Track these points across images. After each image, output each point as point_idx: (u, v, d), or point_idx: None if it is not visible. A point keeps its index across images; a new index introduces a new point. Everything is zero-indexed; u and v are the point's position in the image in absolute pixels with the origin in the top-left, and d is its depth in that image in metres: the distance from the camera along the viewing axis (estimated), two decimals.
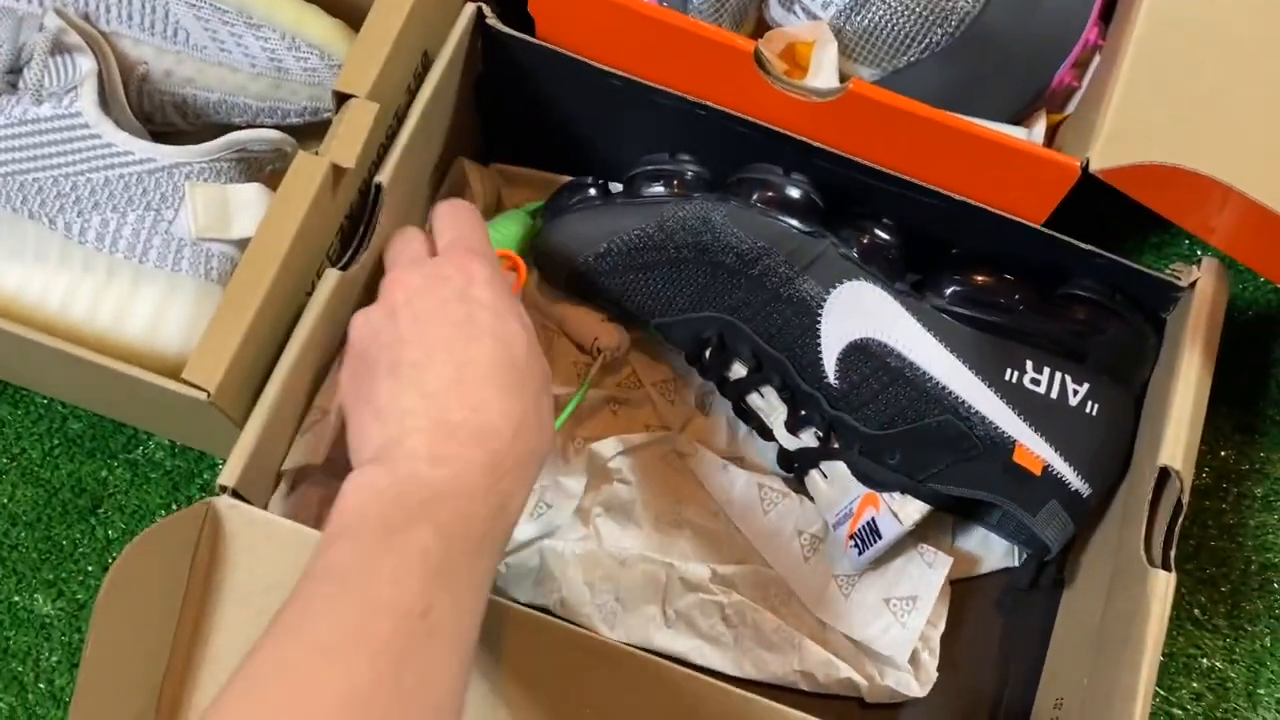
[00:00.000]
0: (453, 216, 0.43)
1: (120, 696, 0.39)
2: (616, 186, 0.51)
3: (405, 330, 0.38)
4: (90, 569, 0.50)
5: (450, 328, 0.37)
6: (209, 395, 0.39)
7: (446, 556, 0.32)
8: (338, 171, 0.43)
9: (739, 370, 0.49)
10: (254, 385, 0.42)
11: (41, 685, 0.48)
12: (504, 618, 0.39)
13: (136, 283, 0.44)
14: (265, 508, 0.42)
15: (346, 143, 0.43)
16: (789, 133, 0.47)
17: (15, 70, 0.48)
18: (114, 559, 0.50)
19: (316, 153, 0.43)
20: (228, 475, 0.39)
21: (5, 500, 0.51)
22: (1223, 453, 0.55)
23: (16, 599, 0.50)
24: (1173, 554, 0.42)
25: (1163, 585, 0.40)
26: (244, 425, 0.41)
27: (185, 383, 0.40)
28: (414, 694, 0.30)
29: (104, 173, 0.45)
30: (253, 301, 0.41)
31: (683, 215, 0.47)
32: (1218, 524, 0.54)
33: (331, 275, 0.43)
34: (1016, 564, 0.50)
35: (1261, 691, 0.51)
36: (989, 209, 0.46)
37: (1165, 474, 0.43)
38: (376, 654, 0.30)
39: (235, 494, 0.40)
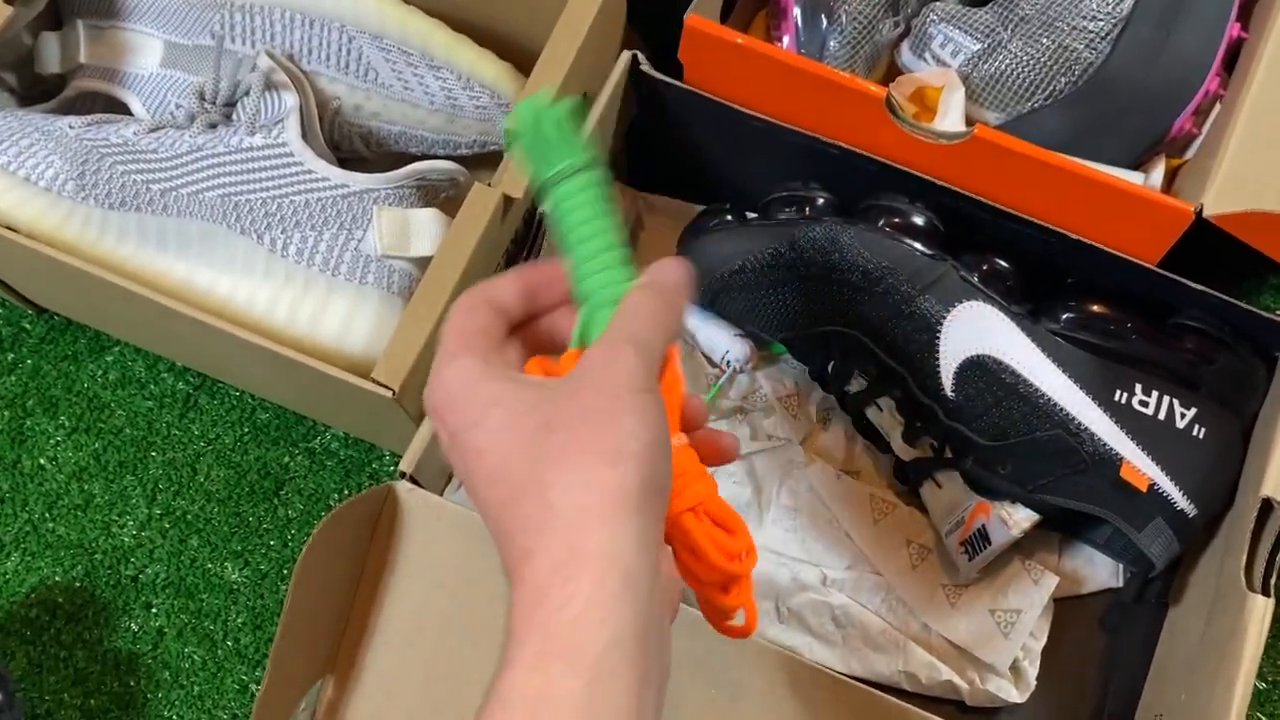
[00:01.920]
0: (665, 273, 0.34)
1: (308, 654, 0.45)
2: (752, 214, 0.55)
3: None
4: (272, 543, 0.57)
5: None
6: (394, 393, 0.45)
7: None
8: (507, 201, 0.49)
9: (859, 383, 0.53)
10: None
11: (229, 643, 0.55)
12: None
13: (330, 293, 0.51)
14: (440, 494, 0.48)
15: (516, 176, 0.49)
16: (916, 172, 0.51)
17: (230, 103, 0.55)
18: (293, 535, 0.57)
19: (489, 184, 0.49)
20: (407, 463, 0.45)
21: (202, 479, 0.58)
22: None
23: (210, 566, 0.57)
24: (1273, 581, 0.44)
25: (1260, 610, 0.43)
26: (420, 421, 0.47)
27: (374, 381, 0.46)
28: None
29: (304, 196, 0.52)
30: (433, 313, 0.46)
31: (813, 236, 0.51)
32: None
33: None
34: (1121, 586, 0.52)
35: None
36: (1104, 248, 0.49)
37: (1269, 504, 0.45)
38: None
39: (413, 480, 0.45)
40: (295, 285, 0.51)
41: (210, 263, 0.52)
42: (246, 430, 0.59)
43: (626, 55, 0.52)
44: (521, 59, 0.55)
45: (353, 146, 0.58)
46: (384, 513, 0.45)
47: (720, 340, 0.56)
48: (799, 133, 0.52)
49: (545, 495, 0.29)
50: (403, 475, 0.45)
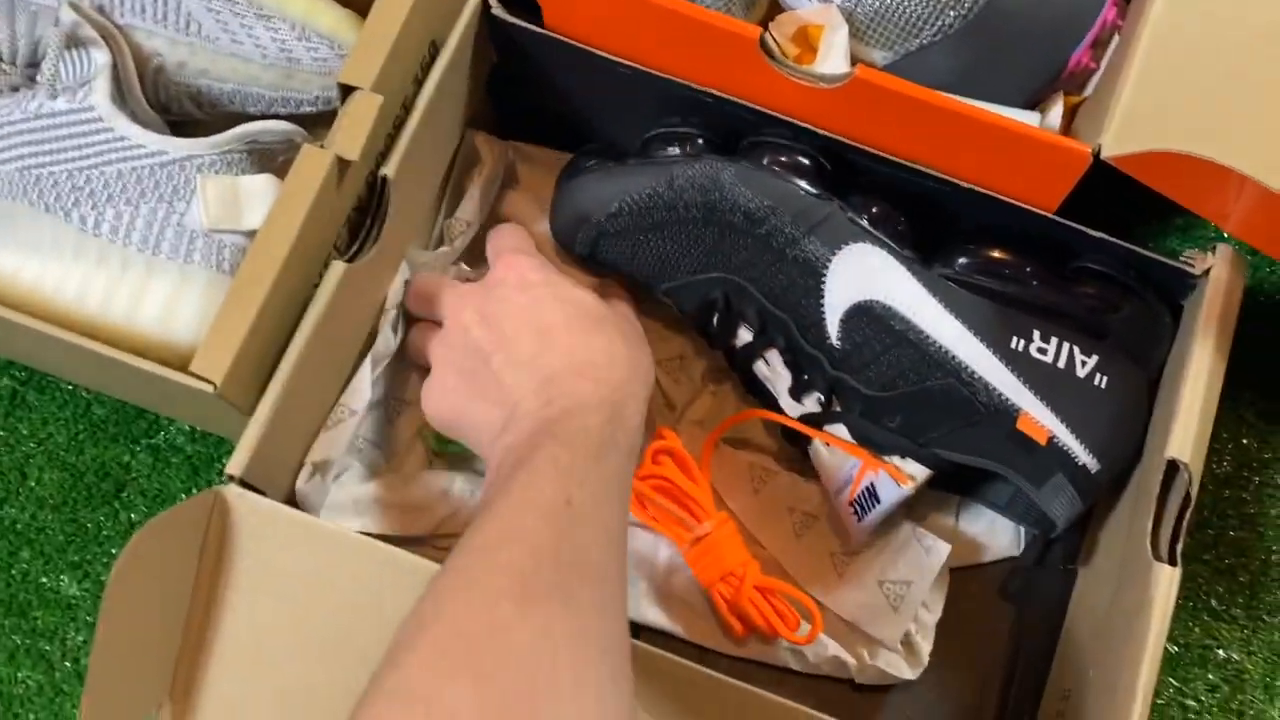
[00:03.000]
0: (495, 234, 0.50)
1: (134, 678, 0.40)
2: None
3: (485, 335, 0.44)
4: (114, 551, 0.52)
5: (520, 311, 0.44)
6: (215, 387, 0.40)
7: (573, 460, 0.38)
8: (343, 164, 0.44)
9: (745, 335, 0.49)
10: (262, 377, 0.42)
11: (68, 664, 0.50)
12: None
13: (149, 274, 0.45)
14: (279, 496, 0.43)
15: (351, 136, 0.44)
16: (796, 120, 0.47)
17: (33, 64, 0.49)
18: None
19: (322, 145, 0.44)
20: (234, 465, 0.40)
21: (33, 484, 0.53)
22: (1244, 441, 0.54)
23: (44, 580, 0.51)
24: (1179, 548, 0.41)
25: (1166, 580, 0.40)
26: (250, 415, 0.42)
27: (193, 375, 0.40)
28: (572, 566, 0.34)
29: (117, 165, 0.46)
30: (258, 294, 0.41)
31: (692, 174, 0.47)
32: (1238, 514, 0.53)
33: (338, 267, 0.43)
34: (1018, 551, 0.50)
35: (1279, 684, 0.50)
36: (999, 196, 0.45)
37: (1174, 467, 0.42)
38: (531, 541, 0.35)
39: (243, 483, 0.40)
40: (110, 267, 0.45)
41: (11, 245, 0.46)
42: (81, 428, 0.54)
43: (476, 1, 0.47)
44: (364, 6, 0.50)
45: (183, 109, 0.52)
46: (213, 520, 0.40)
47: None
48: (671, 80, 0.47)
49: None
50: (230, 479, 0.40)
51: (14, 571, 0.51)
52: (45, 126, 0.46)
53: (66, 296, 0.45)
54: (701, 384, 0.53)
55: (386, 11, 0.45)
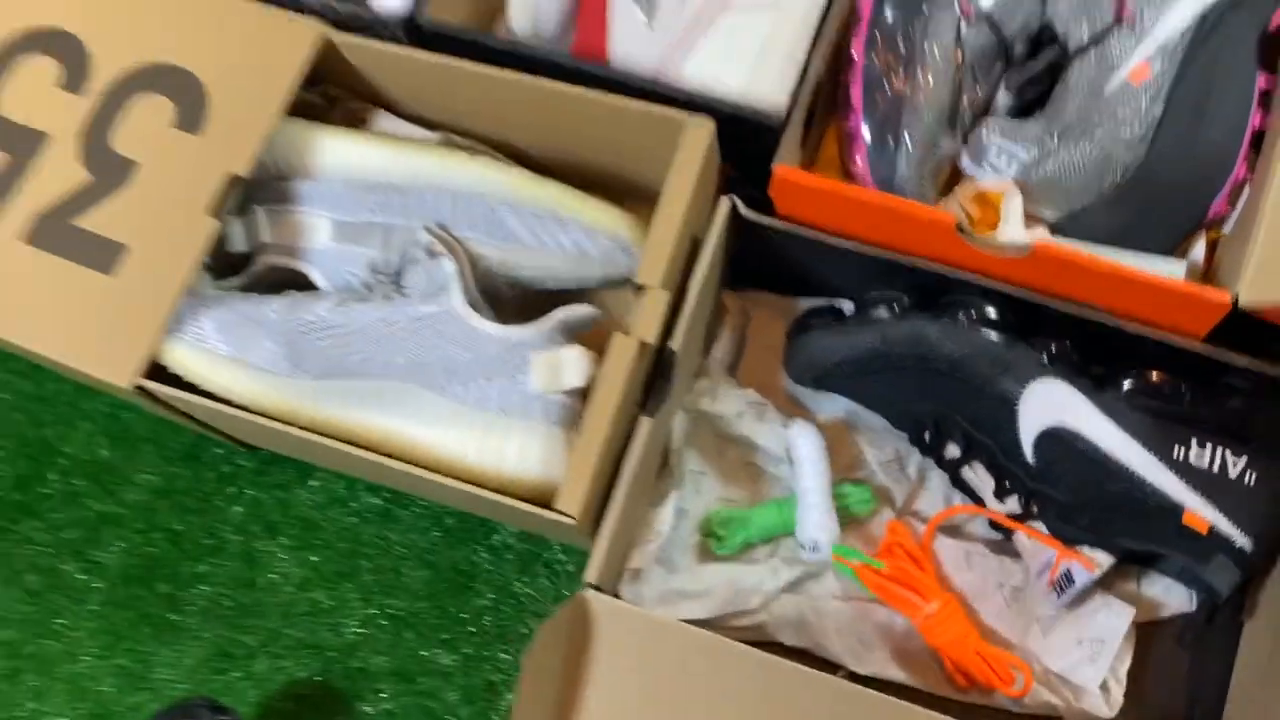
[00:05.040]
0: None
1: None
2: (848, 307, 0.64)
3: None
4: (472, 630, 0.68)
5: None
6: (574, 519, 0.56)
7: None
8: (643, 346, 0.59)
9: (953, 450, 0.62)
10: (599, 505, 0.58)
11: (448, 718, 0.67)
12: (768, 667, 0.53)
13: (507, 431, 0.61)
14: (615, 594, 0.58)
15: (649, 325, 0.59)
16: (984, 281, 0.59)
17: (398, 272, 0.66)
18: (488, 621, 0.68)
19: (626, 332, 0.59)
20: (592, 574, 0.56)
21: (406, 580, 0.70)
22: None
23: (424, 653, 0.68)
24: None
25: None
26: (594, 535, 0.57)
27: (558, 511, 0.56)
28: None
29: (474, 352, 0.62)
30: (594, 450, 0.57)
31: (902, 333, 0.60)
32: None
33: (645, 423, 0.59)
34: (1194, 609, 0.61)
35: None
36: (1155, 333, 0.57)
37: None
38: None
39: (597, 588, 0.56)
40: (477, 428, 0.62)
41: (405, 415, 0.63)
42: (437, 535, 0.70)
43: (726, 201, 0.62)
44: (637, 194, 0.65)
45: (498, 293, 0.69)
46: (576, 618, 0.56)
47: (810, 527, 0.64)
48: (881, 257, 0.60)
49: None
50: (590, 585, 0.56)
51: (401, 649, 0.68)
52: (421, 327, 0.63)
53: (450, 452, 0.62)
54: (916, 481, 0.66)
55: (664, 224, 0.60)
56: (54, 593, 0.72)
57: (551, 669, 0.55)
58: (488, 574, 0.69)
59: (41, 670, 0.71)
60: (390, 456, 0.61)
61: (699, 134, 0.62)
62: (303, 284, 0.70)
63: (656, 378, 0.60)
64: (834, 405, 0.67)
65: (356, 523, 0.71)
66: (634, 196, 0.69)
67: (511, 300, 0.69)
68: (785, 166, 0.60)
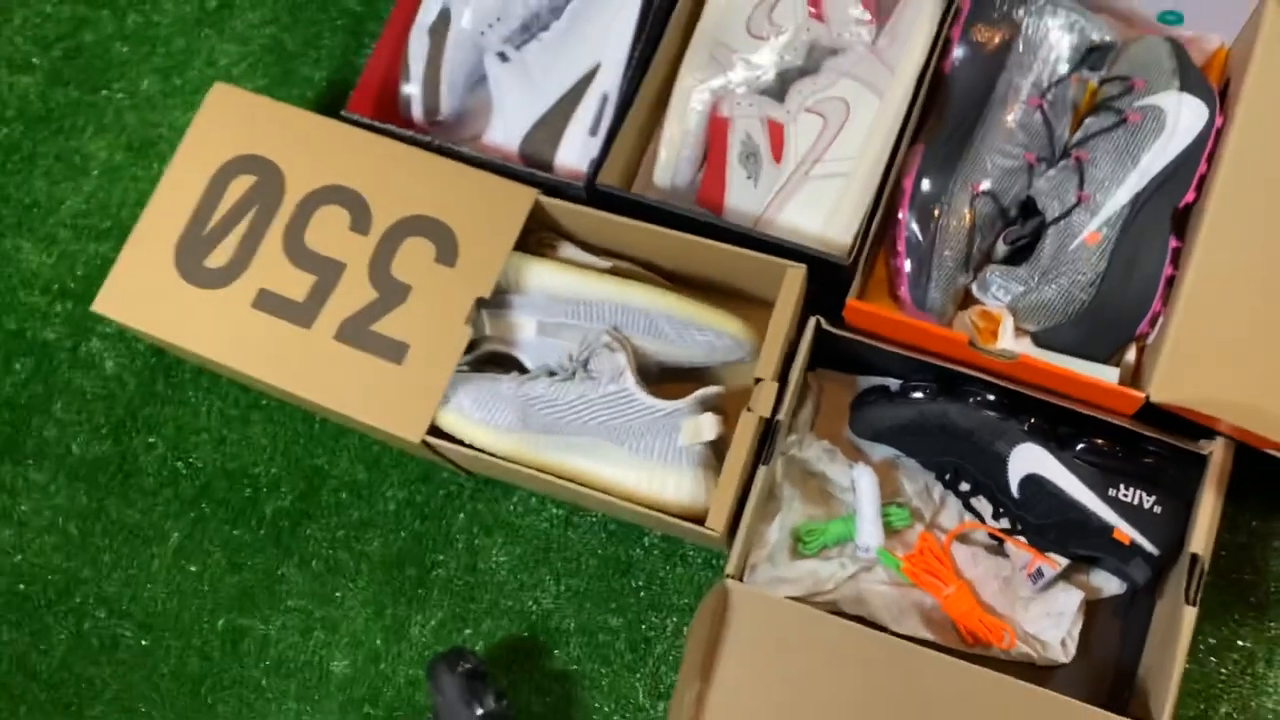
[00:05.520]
0: None
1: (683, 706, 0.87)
2: (894, 384, 0.95)
3: None
4: (631, 601, 0.99)
5: None
6: (718, 533, 0.86)
7: None
8: (761, 419, 0.89)
9: (964, 485, 0.93)
10: (733, 523, 0.88)
11: (617, 661, 0.98)
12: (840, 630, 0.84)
13: (666, 473, 0.92)
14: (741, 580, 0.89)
15: (765, 405, 0.89)
16: (988, 376, 0.89)
17: (585, 360, 0.96)
18: (643, 598, 0.99)
19: (748, 408, 0.90)
20: (730, 568, 0.86)
21: (585, 567, 1.01)
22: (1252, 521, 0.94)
23: (599, 617, 0.99)
24: (1197, 595, 0.83)
25: (1189, 615, 0.82)
26: (729, 542, 0.88)
27: (708, 528, 0.87)
28: None
29: (645, 419, 0.93)
30: (732, 487, 0.87)
31: (931, 410, 0.91)
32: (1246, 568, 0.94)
33: (762, 470, 0.89)
34: (1122, 593, 0.92)
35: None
36: (1100, 414, 0.87)
37: (1194, 557, 0.84)
38: None
39: (734, 577, 0.86)
40: (648, 470, 0.92)
41: (597, 460, 0.93)
42: (604, 536, 1.01)
43: (814, 321, 0.92)
44: (746, 298, 0.96)
45: (648, 371, 0.99)
46: (718, 602, 0.87)
47: (866, 536, 0.95)
48: (921, 359, 0.91)
49: None
50: (730, 577, 0.86)
51: (583, 614, 1.00)
52: (608, 401, 0.93)
53: (629, 485, 0.92)
54: (938, 505, 0.96)
55: (773, 339, 0.91)
56: (333, 574, 1.04)
57: (702, 634, 0.86)
58: (640, 563, 1.00)
59: (327, 628, 1.02)
60: (587, 488, 0.92)
61: (795, 275, 0.92)
62: (509, 363, 1.00)
63: (767, 438, 0.91)
64: (882, 451, 0.98)
65: (547, 527, 1.02)
66: (742, 300, 0.99)
67: (656, 376, 0.99)
68: (856, 301, 0.90)
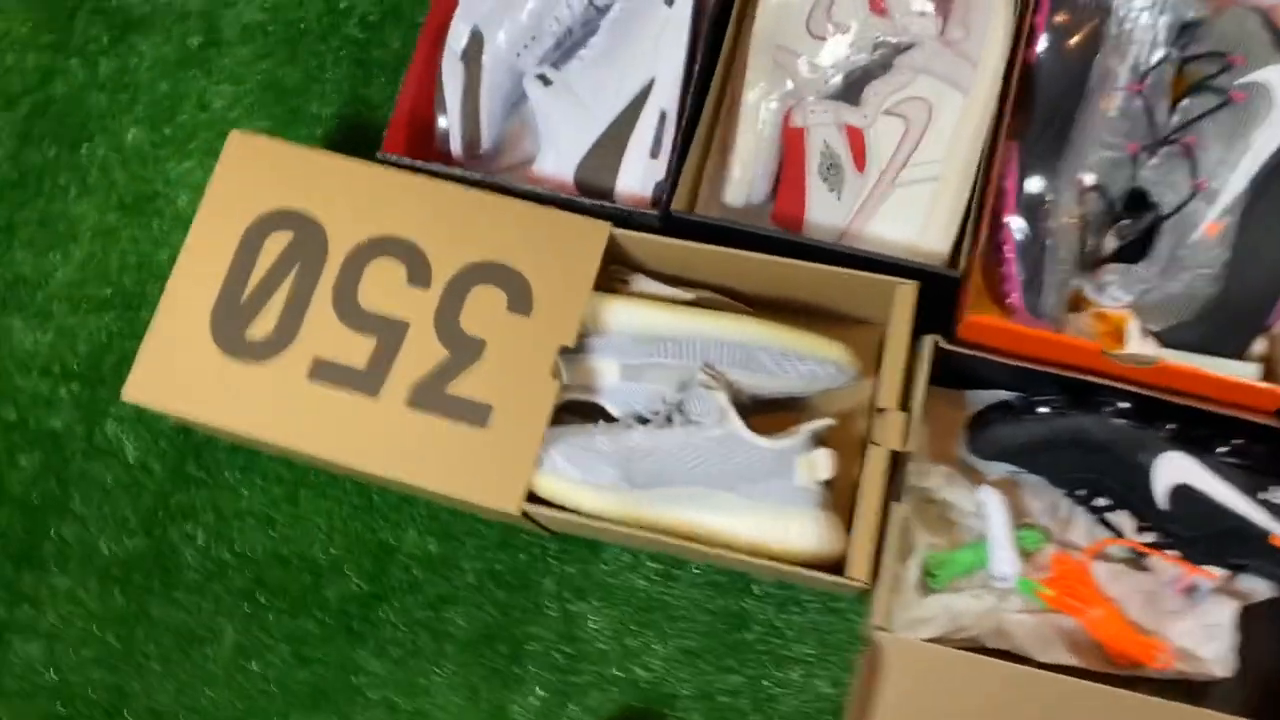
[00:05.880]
0: None
1: None
2: (1004, 394, 0.89)
3: None
4: (748, 656, 0.92)
5: None
6: (865, 583, 0.80)
7: None
8: (891, 453, 0.83)
9: (1101, 501, 0.88)
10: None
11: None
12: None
13: (787, 519, 0.85)
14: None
15: (894, 437, 0.83)
16: (1122, 385, 0.84)
17: (678, 402, 0.89)
18: (762, 651, 0.92)
19: (875, 443, 0.83)
20: (878, 619, 0.80)
21: (695, 623, 0.93)
22: None
23: (715, 677, 0.92)
24: None
25: None
26: (874, 590, 0.81)
27: (850, 579, 0.80)
28: None
29: (754, 461, 0.86)
30: (871, 530, 0.81)
31: (1066, 426, 0.85)
32: None
33: (897, 507, 0.83)
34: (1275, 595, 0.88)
35: None
36: (1242, 414, 0.83)
37: None
38: None
39: (882, 629, 0.80)
40: (765, 517, 0.85)
41: (706, 510, 0.86)
42: (710, 589, 0.94)
43: (930, 338, 0.85)
44: (838, 318, 0.89)
45: (742, 405, 0.92)
46: (873, 653, 0.80)
47: (1002, 564, 0.89)
48: (1041, 370, 0.85)
49: None
50: (877, 628, 0.80)
51: (698, 675, 0.92)
52: (715, 446, 0.86)
53: (745, 535, 0.85)
54: (1066, 521, 0.91)
55: (892, 365, 0.84)
56: (415, 659, 0.95)
57: (858, 692, 0.80)
58: (754, 614, 0.93)
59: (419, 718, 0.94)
60: (700, 543, 0.85)
61: (906, 292, 0.86)
62: (590, 410, 0.92)
63: (896, 472, 0.84)
64: (997, 468, 0.92)
65: (645, 585, 0.95)
66: (831, 320, 0.93)
67: (749, 409, 0.92)
68: (977, 315, 0.84)
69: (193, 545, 0.99)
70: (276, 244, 0.91)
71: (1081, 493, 0.88)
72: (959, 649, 0.82)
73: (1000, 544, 0.88)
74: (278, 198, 0.92)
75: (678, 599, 0.94)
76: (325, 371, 0.87)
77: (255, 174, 0.92)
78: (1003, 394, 0.93)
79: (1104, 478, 0.86)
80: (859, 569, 0.80)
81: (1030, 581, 0.88)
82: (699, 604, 0.94)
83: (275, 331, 0.88)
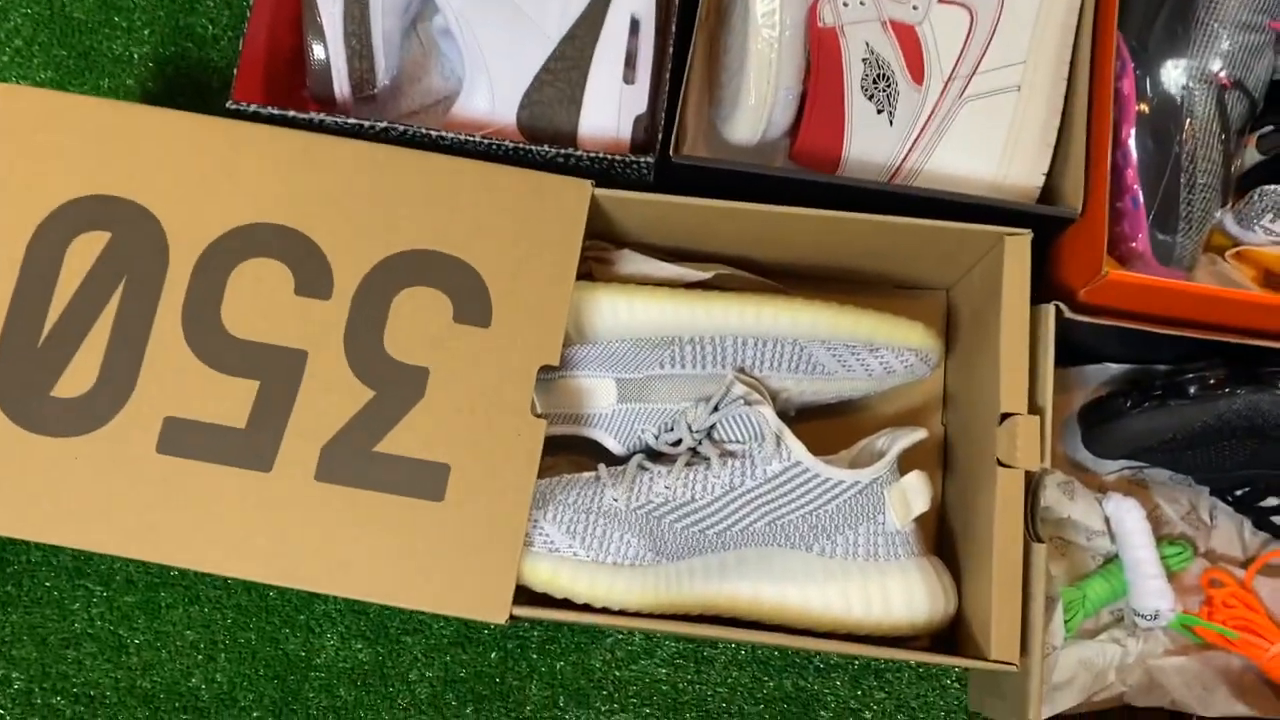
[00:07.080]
0: None
1: None
2: (1157, 382, 0.66)
3: None
4: None
5: None
6: (1017, 666, 0.56)
7: None
8: (1028, 475, 0.59)
9: (1272, 500, 0.67)
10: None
11: None
12: None
13: (883, 576, 0.61)
14: None
15: (1029, 453, 0.59)
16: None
17: (708, 426, 0.63)
18: None
19: (1010, 465, 0.59)
20: (1035, 713, 0.57)
21: (744, 708, 0.69)
22: None
23: None
24: None
25: None
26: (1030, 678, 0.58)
27: (998, 661, 0.56)
28: None
29: (833, 502, 0.61)
30: (1015, 592, 0.57)
31: (1237, 409, 0.63)
32: None
33: (1039, 549, 0.59)
34: None
35: None
36: None
37: None
38: None
39: None
40: (853, 579, 0.61)
41: (771, 578, 0.61)
42: (757, 668, 0.69)
43: (1051, 309, 0.62)
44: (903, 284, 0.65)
45: (783, 415, 0.67)
46: None
47: (1150, 596, 0.66)
48: (1199, 337, 0.62)
49: None
50: None
51: None
52: (773, 487, 0.61)
53: (831, 610, 0.60)
54: (1209, 526, 0.70)
55: (1015, 352, 0.60)
56: None
57: None
58: (820, 694, 0.69)
59: None
60: (762, 621, 0.60)
61: (1018, 246, 0.62)
62: (579, 447, 0.66)
63: (1029, 498, 0.61)
64: (1111, 465, 0.70)
65: (669, 671, 0.69)
66: (871, 288, 0.69)
67: (793, 421, 0.67)
68: (1118, 271, 0.60)
69: (7, 692, 0.68)
70: (86, 251, 0.60)
71: (1242, 492, 0.67)
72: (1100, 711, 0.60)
73: (1146, 571, 0.66)
74: (80, 181, 0.60)
75: (715, 689, 0.69)
76: (184, 438, 0.57)
77: (40, 147, 0.61)
78: (1112, 368, 0.71)
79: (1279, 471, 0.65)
80: (1008, 648, 0.57)
81: (1186, 615, 0.66)
82: (747, 690, 0.69)
83: (98, 385, 0.58)
